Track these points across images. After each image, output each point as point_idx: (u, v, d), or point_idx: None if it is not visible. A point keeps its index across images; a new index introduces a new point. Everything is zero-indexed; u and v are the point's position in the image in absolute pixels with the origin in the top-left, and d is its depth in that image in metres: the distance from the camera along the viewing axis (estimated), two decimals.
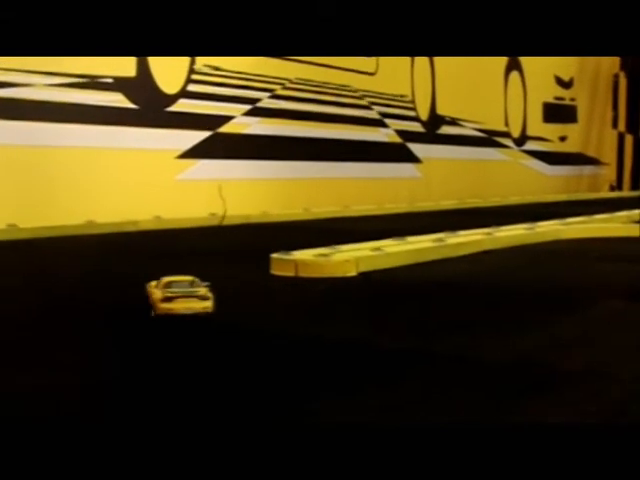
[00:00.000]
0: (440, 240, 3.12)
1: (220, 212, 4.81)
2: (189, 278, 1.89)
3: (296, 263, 2.54)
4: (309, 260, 2.55)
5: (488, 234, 3.45)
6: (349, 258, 2.58)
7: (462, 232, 3.46)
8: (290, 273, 2.55)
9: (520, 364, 1.43)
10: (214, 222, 4.72)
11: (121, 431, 1.08)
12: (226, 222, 4.70)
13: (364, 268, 2.60)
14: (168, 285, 1.84)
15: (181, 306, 1.80)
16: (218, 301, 1.84)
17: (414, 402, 1.20)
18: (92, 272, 2.77)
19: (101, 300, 2.17)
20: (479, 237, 3.35)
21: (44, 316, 1.94)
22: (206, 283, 1.89)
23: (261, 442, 1.03)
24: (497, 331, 1.74)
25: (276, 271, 2.60)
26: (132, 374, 1.39)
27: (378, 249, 2.79)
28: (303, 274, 2.53)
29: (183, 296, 1.81)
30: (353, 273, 2.56)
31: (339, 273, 2.53)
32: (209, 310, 1.81)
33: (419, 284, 2.44)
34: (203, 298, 1.82)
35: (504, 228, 3.73)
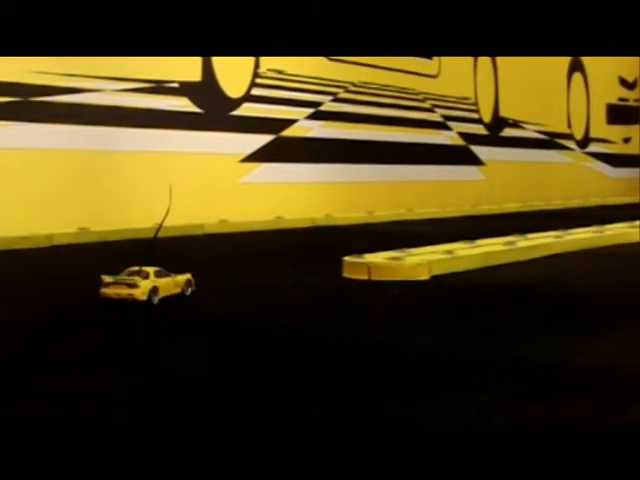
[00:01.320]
0: (511, 243, 3.10)
1: (274, 214, 4.83)
2: (149, 269, 2.19)
3: (369, 266, 2.54)
4: (382, 263, 2.55)
5: (558, 237, 3.42)
6: (422, 261, 2.57)
7: (531, 235, 3.43)
8: (363, 276, 2.55)
9: (610, 369, 1.41)
10: (280, 225, 4.73)
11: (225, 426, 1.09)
12: (292, 225, 4.70)
13: (436, 271, 2.59)
14: (117, 273, 2.18)
15: (111, 291, 2.14)
16: (299, 305, 1.84)
17: (516, 406, 1.19)
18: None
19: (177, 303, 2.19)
20: (549, 240, 3.32)
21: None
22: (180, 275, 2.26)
23: (364, 445, 1.03)
24: (578, 336, 1.72)
25: (348, 274, 2.60)
26: (224, 377, 1.40)
27: (450, 252, 2.78)
28: (376, 277, 2.53)
29: (116, 283, 2.14)
30: (426, 277, 2.55)
31: (412, 276, 2.53)
32: (135, 297, 2.10)
33: (493, 288, 2.42)
34: (131, 286, 2.11)
35: (573, 231, 3.69)
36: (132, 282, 2.09)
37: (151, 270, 2.18)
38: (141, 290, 2.07)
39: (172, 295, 2.19)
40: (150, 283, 2.12)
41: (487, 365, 1.48)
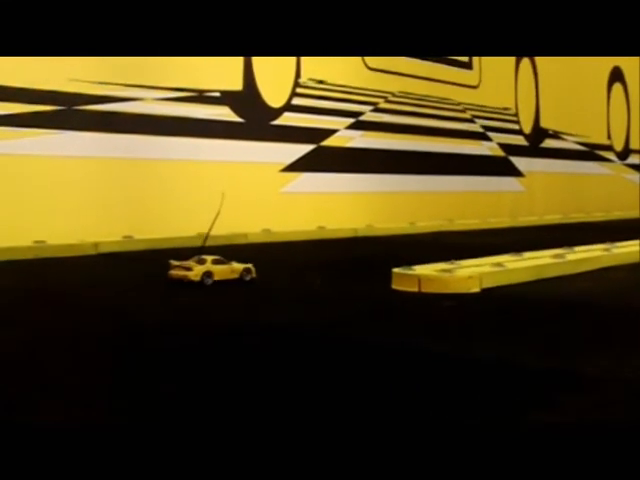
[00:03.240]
0: (560, 256, 3.06)
1: (316, 224, 4.83)
2: (209, 257, 2.63)
3: (419, 278, 2.52)
4: (433, 276, 2.53)
5: (606, 250, 3.37)
6: (473, 274, 2.54)
7: (579, 248, 3.39)
8: (413, 289, 2.52)
9: None
10: (323, 235, 4.72)
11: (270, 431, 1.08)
12: (334, 235, 4.70)
13: (487, 284, 2.56)
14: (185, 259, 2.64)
15: (174, 273, 2.61)
16: (354, 317, 1.83)
17: (582, 422, 1.17)
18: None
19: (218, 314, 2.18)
20: (598, 253, 3.27)
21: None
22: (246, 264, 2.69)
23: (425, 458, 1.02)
24: (636, 352, 1.69)
25: (398, 286, 2.58)
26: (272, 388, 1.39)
27: (499, 265, 2.75)
28: (426, 290, 2.51)
29: (178, 266, 2.62)
30: (477, 289, 2.52)
31: (463, 289, 2.50)
32: (189, 277, 2.56)
33: (547, 302, 2.39)
34: (187, 269, 2.59)
35: (620, 244, 3.64)
36: (188, 266, 2.56)
37: (209, 258, 2.61)
38: (194, 273, 2.55)
39: (229, 280, 2.61)
40: (204, 268, 2.57)
41: (552, 381, 1.45)
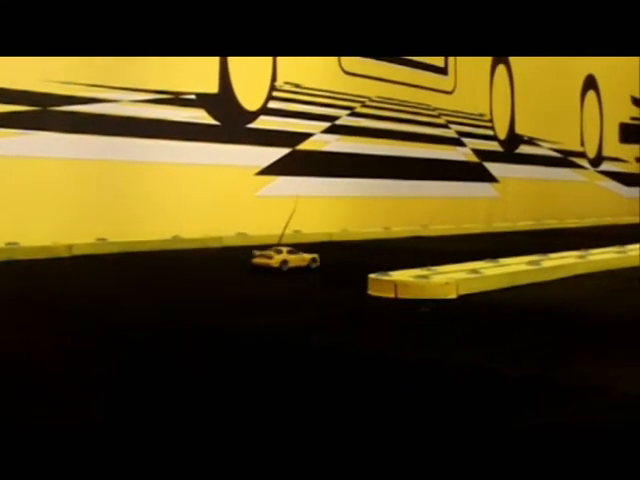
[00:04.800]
0: (535, 263, 3.07)
1: (291, 228, 4.83)
2: (284, 248, 3.12)
3: (396, 284, 2.51)
4: (409, 281, 2.52)
5: (581, 257, 3.39)
6: (449, 280, 2.54)
7: (554, 255, 3.40)
8: (389, 294, 2.52)
9: None
10: (298, 239, 4.71)
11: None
12: (309, 239, 4.70)
13: (464, 290, 2.56)
14: (269, 248, 3.13)
15: (257, 260, 3.11)
16: (328, 323, 1.82)
17: (557, 430, 1.17)
18: (184, 287, 2.78)
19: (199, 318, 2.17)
20: (573, 260, 3.28)
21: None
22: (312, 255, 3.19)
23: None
24: (613, 360, 1.69)
25: (374, 292, 2.57)
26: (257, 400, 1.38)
27: (475, 271, 2.75)
28: (402, 295, 2.50)
29: (260, 255, 3.10)
30: (454, 295, 2.52)
31: (439, 295, 2.50)
32: (270, 264, 3.04)
33: (523, 308, 2.39)
34: (268, 257, 3.07)
35: (594, 251, 3.65)
36: (269, 255, 3.03)
37: (285, 249, 3.07)
38: (274, 260, 3.02)
39: (300, 266, 3.09)
40: (282, 257, 3.03)
41: (527, 388, 1.45)
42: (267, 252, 3.10)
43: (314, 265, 3.19)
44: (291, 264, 3.10)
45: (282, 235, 3.21)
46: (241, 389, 1.43)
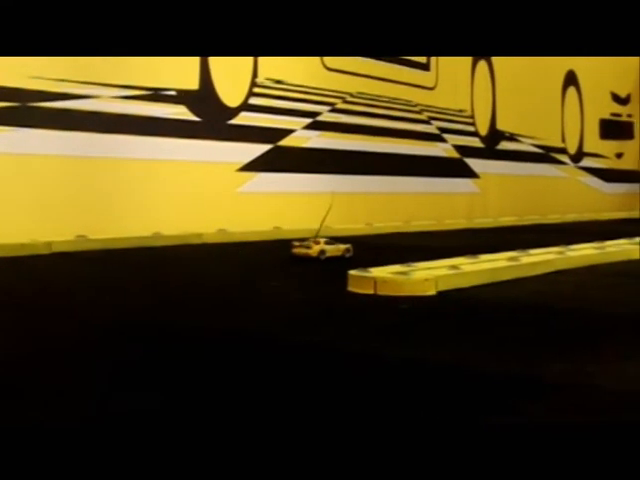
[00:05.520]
0: (515, 259, 3.08)
1: (272, 224, 4.84)
2: (321, 239, 3.41)
3: (375, 281, 2.52)
4: (388, 278, 2.53)
5: (560, 253, 3.40)
6: (429, 277, 2.55)
7: (534, 251, 3.41)
8: (369, 291, 2.52)
9: (630, 391, 1.39)
10: (279, 235, 4.71)
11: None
12: (291, 235, 4.69)
13: (443, 287, 2.57)
14: (305, 240, 3.43)
15: (296, 250, 3.41)
16: (307, 320, 1.82)
17: (536, 426, 1.17)
18: (158, 284, 2.77)
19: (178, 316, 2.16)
20: (552, 256, 3.30)
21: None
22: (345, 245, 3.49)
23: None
24: (595, 356, 1.70)
25: (353, 288, 2.57)
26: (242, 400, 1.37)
27: (455, 267, 2.76)
28: (382, 292, 2.51)
29: (299, 246, 3.41)
30: (433, 292, 2.52)
31: (418, 292, 2.50)
32: (309, 254, 3.34)
33: (502, 305, 2.40)
34: (307, 247, 3.37)
35: (574, 247, 3.67)
36: (308, 245, 3.30)
37: (322, 240, 3.34)
38: (313, 250, 3.29)
39: (336, 256, 3.36)
40: (320, 247, 3.30)
41: (506, 385, 1.46)
42: (306, 243, 3.40)
43: (348, 254, 3.46)
44: (328, 254, 3.38)
45: (320, 228, 3.45)
46: (212, 389, 1.42)
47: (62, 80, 4.23)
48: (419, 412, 1.27)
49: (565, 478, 1.02)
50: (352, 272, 2.60)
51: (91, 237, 3.93)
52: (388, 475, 1.02)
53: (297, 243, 3.43)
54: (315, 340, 1.82)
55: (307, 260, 3.32)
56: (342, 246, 3.49)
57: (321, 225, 3.47)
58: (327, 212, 3.47)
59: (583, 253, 3.52)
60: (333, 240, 3.51)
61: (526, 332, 1.98)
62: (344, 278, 2.60)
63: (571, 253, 3.45)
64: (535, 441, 1.13)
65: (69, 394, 1.36)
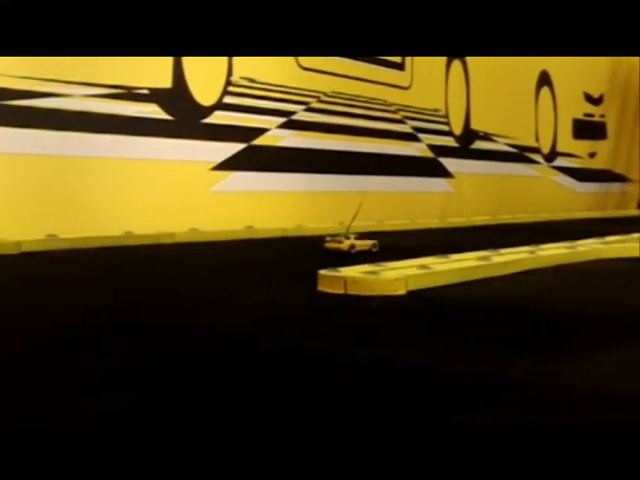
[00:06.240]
0: (485, 258, 3.09)
1: (245, 223, 4.83)
2: (351, 234, 3.65)
3: (345, 280, 2.52)
4: (358, 277, 2.53)
5: (531, 253, 3.41)
6: (399, 276, 2.55)
7: (505, 250, 3.42)
8: (339, 290, 2.52)
9: (597, 390, 1.40)
10: (252, 235, 4.71)
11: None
12: (263, 235, 4.70)
13: (413, 286, 2.57)
14: (337, 235, 3.66)
15: (329, 245, 3.62)
16: (276, 321, 1.81)
17: (501, 426, 1.17)
18: (127, 284, 2.76)
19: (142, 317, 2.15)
20: (523, 256, 3.31)
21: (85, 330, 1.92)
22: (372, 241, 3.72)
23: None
24: (561, 356, 1.70)
25: (324, 288, 2.57)
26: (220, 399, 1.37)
27: (425, 267, 2.76)
28: (352, 292, 2.51)
29: (331, 240, 3.62)
30: (403, 291, 2.53)
31: (388, 291, 2.51)
32: (340, 248, 3.56)
33: (471, 305, 2.41)
34: (339, 242, 3.58)
35: (545, 246, 3.69)
36: (339, 240, 3.50)
37: (352, 235, 3.54)
38: (344, 245, 3.50)
39: (364, 250, 3.60)
40: (350, 242, 3.50)
41: (474, 384, 1.46)
42: (338, 238, 3.63)
43: (374, 249, 3.70)
44: (357, 248, 3.62)
45: (349, 225, 3.70)
46: (176, 390, 1.42)
47: (34, 78, 4.21)
48: (386, 412, 1.27)
49: (533, 477, 1.03)
50: (322, 272, 2.60)
51: (61, 236, 3.90)
52: (356, 475, 1.02)
53: (329, 238, 3.67)
54: (282, 340, 1.82)
55: (338, 254, 3.53)
56: (369, 242, 3.74)
57: (351, 222, 3.72)
58: (357, 210, 3.76)
59: (554, 253, 3.53)
60: (360, 236, 3.77)
61: (495, 332, 1.98)
62: (315, 278, 2.60)
63: (542, 253, 3.47)
64: (502, 440, 1.13)
65: (38, 395, 1.35)
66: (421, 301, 2.44)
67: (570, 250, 3.67)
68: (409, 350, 1.74)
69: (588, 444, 1.12)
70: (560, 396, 1.38)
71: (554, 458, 1.07)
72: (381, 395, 1.39)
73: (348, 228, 3.69)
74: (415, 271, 2.70)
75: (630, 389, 1.43)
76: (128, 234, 4.20)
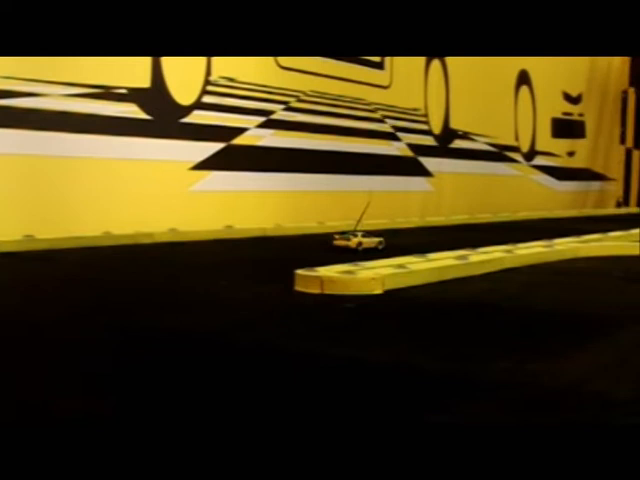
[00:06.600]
0: (463, 258, 3.10)
1: (224, 223, 4.83)
2: (359, 232, 3.78)
3: (322, 280, 2.52)
4: (335, 277, 2.53)
5: (508, 251, 3.43)
6: (375, 275, 2.56)
7: (483, 249, 3.44)
8: (315, 290, 2.52)
9: (573, 390, 1.41)
10: (231, 234, 4.70)
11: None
12: (242, 234, 4.69)
13: (390, 286, 2.58)
14: (345, 233, 3.81)
15: (337, 242, 3.77)
16: (250, 320, 1.81)
17: (479, 428, 1.18)
18: (102, 284, 2.75)
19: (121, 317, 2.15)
20: (500, 255, 3.33)
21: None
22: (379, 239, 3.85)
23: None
24: (537, 355, 1.72)
25: (300, 287, 2.58)
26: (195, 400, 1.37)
27: (402, 266, 2.77)
28: (329, 291, 2.51)
29: (341, 238, 3.78)
30: (380, 291, 2.53)
31: (365, 291, 2.51)
32: (348, 245, 3.71)
33: (447, 304, 2.42)
34: (347, 239, 3.74)
35: (523, 245, 3.71)
36: (347, 237, 3.72)
37: (359, 233, 3.63)
38: (352, 242, 3.70)
39: (370, 247, 3.75)
40: (358, 239, 3.62)
41: (447, 384, 1.47)
42: (346, 236, 3.77)
43: (381, 246, 3.83)
44: (364, 245, 3.75)
45: (358, 223, 3.86)
46: (151, 390, 1.42)
47: (12, 77, 4.18)
48: (357, 411, 1.27)
49: (503, 477, 1.03)
50: (299, 271, 2.61)
51: (39, 237, 3.88)
52: (325, 475, 1.02)
53: (338, 236, 3.79)
54: (257, 339, 1.82)
55: (347, 250, 3.64)
56: (376, 239, 3.86)
57: (359, 220, 3.87)
58: (365, 209, 3.88)
59: (531, 252, 3.55)
60: (367, 234, 3.88)
61: (470, 331, 1.99)
62: (292, 278, 2.60)
63: (519, 251, 3.49)
64: (473, 440, 1.14)
65: (5, 398, 1.35)
66: (397, 300, 2.44)
67: (547, 249, 3.70)
68: (383, 349, 1.74)
69: (565, 443, 1.13)
70: (536, 395, 1.39)
71: (530, 457, 1.08)
72: (352, 394, 1.39)
73: (356, 226, 3.83)
74: (392, 270, 2.70)
75: (606, 388, 1.44)
76: (106, 234, 4.18)
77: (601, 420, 1.24)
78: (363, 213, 3.87)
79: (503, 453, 1.08)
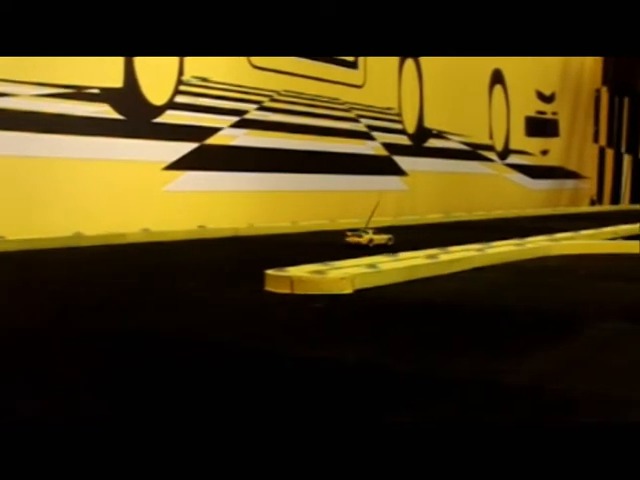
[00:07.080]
0: (433, 257, 3.11)
1: (196, 223, 4.82)
2: (369, 229, 3.96)
3: (292, 280, 2.52)
4: (305, 277, 2.53)
5: (479, 250, 3.44)
6: (345, 275, 2.56)
7: (453, 248, 3.45)
8: (285, 290, 2.52)
9: (537, 388, 1.42)
10: (204, 234, 4.69)
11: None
12: (215, 234, 4.69)
13: (360, 285, 2.58)
14: (357, 230, 3.99)
15: (349, 239, 3.92)
16: (219, 321, 1.81)
17: (438, 425, 1.19)
18: (83, 286, 2.74)
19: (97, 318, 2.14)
20: (471, 254, 3.34)
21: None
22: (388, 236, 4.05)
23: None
24: (503, 354, 1.72)
25: (271, 288, 2.58)
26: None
27: (373, 266, 2.78)
28: (299, 291, 2.51)
29: (353, 235, 3.94)
30: (349, 290, 2.54)
31: (335, 290, 2.52)
32: (360, 242, 3.90)
33: (416, 303, 2.43)
34: (359, 236, 3.93)
35: (494, 244, 3.72)
36: (359, 234, 3.91)
37: (370, 230, 3.79)
38: (364, 239, 3.89)
39: (381, 244, 3.91)
40: (369, 236, 3.92)
41: (413, 383, 1.47)
42: (357, 232, 3.96)
43: (390, 243, 4.00)
44: (375, 242, 3.93)
45: (368, 221, 4.01)
46: (115, 393, 1.41)
47: None
48: (317, 411, 1.28)
49: (468, 477, 1.04)
50: (269, 272, 2.60)
51: (9, 238, 3.86)
52: (286, 476, 1.02)
53: (350, 233, 3.97)
54: (223, 340, 1.82)
55: (358, 247, 3.81)
56: (385, 236, 4.04)
57: (370, 218, 4.02)
58: (374, 208, 4.08)
59: (502, 250, 3.57)
60: (377, 231, 4.06)
61: (437, 330, 2.00)
62: (262, 278, 2.60)
63: (490, 250, 3.50)
64: (439, 439, 1.14)
65: None
66: (367, 300, 2.45)
67: (518, 247, 3.71)
68: (348, 349, 1.75)
69: (527, 443, 1.13)
70: (498, 394, 1.40)
71: (492, 458, 1.08)
72: (314, 394, 1.39)
73: (367, 223, 3.99)
74: (362, 270, 2.71)
75: (570, 386, 1.45)
76: (78, 235, 4.16)
77: (563, 419, 1.25)
78: (373, 212, 4.04)
79: (460, 453, 1.09)
